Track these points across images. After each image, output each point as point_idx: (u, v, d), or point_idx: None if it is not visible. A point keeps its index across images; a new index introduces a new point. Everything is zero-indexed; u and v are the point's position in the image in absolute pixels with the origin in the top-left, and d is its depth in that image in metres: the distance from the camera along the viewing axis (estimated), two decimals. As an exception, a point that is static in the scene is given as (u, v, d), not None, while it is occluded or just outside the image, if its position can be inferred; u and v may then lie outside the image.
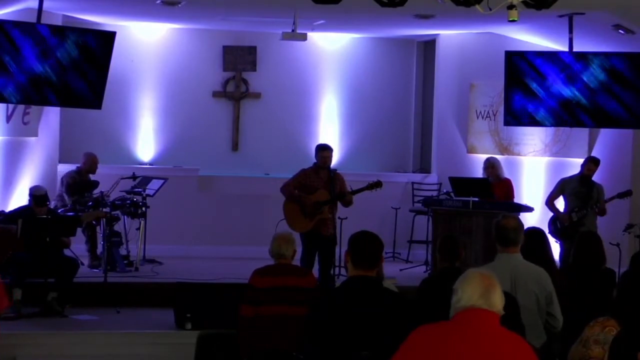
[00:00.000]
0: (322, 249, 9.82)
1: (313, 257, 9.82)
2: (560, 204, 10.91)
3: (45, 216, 9.56)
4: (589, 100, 11.09)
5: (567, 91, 11.17)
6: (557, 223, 10.69)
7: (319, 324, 4.64)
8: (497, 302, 3.66)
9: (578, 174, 10.86)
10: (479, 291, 3.64)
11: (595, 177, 10.82)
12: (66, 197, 10.94)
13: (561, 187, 10.89)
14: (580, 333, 4.66)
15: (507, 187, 11.19)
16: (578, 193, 10.71)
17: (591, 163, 10.80)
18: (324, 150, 10.07)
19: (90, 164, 11.30)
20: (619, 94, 10.97)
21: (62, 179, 11.15)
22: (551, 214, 10.85)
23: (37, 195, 9.68)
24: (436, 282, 6.32)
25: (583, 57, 10.97)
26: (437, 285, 6.08)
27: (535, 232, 6.76)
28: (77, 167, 11.32)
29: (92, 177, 11.23)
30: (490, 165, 11.29)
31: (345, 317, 4.59)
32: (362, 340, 4.55)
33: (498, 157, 11.73)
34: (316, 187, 9.90)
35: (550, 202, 10.87)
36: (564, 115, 11.24)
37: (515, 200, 11.19)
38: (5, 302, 6.81)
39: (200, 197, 12.58)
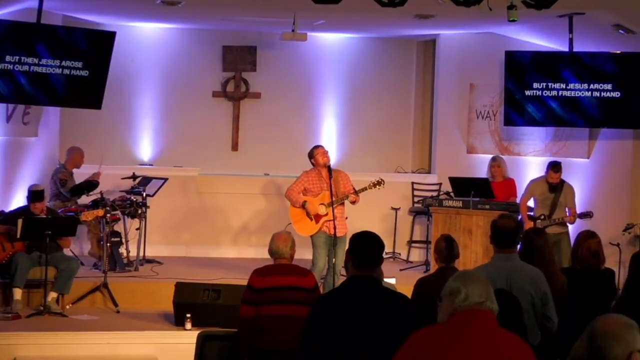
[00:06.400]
0: (334, 249, 9.74)
1: (325, 258, 9.80)
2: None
3: (45, 216, 9.57)
4: (589, 100, 11.10)
5: (567, 91, 11.19)
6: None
7: (319, 324, 4.64)
8: (495, 302, 3.68)
9: (544, 176, 10.78)
10: (486, 291, 3.64)
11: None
12: (63, 191, 10.89)
13: (530, 192, 10.78)
14: (580, 333, 4.66)
15: (510, 187, 11.20)
16: (545, 200, 10.61)
17: (552, 171, 10.58)
18: (323, 147, 10.13)
19: (77, 159, 11.26)
20: (619, 94, 10.98)
21: (52, 177, 11.08)
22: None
23: (34, 190, 9.67)
24: (433, 282, 6.31)
25: (583, 57, 10.98)
26: (433, 285, 6.08)
27: (536, 231, 6.77)
28: (61, 163, 11.31)
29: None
30: (497, 163, 11.29)
31: (345, 317, 4.58)
32: (362, 340, 4.55)
33: (498, 156, 11.73)
34: (320, 190, 9.89)
35: (522, 205, 10.79)
36: (564, 115, 11.26)
37: (517, 200, 11.18)
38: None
39: (200, 197, 12.57)
